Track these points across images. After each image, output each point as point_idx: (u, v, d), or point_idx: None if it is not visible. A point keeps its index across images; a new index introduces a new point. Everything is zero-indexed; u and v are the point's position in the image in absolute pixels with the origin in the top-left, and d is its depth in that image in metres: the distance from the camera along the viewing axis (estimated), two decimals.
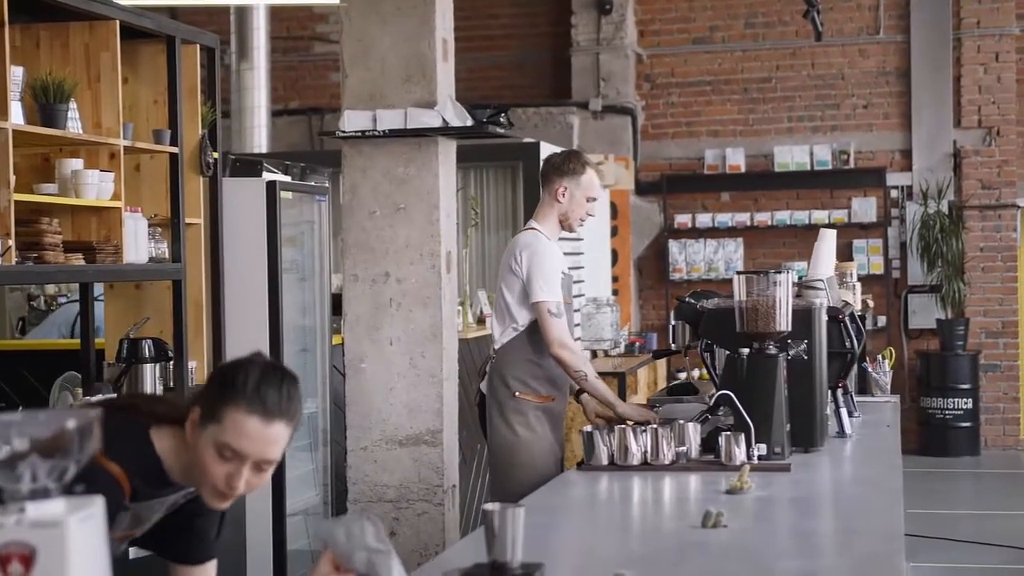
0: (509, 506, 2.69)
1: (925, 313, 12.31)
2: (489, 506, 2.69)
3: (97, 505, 1.75)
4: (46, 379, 5.79)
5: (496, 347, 5.14)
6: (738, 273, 4.37)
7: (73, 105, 4.80)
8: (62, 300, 8.59)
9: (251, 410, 2.47)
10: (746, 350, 4.31)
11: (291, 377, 2.56)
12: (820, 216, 12.32)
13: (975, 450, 12.05)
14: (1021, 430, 12.43)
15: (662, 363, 11.03)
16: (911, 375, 12.37)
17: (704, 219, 12.63)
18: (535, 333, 5.05)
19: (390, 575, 2.42)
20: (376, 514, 2.37)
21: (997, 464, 11.80)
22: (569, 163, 5.18)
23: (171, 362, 5.43)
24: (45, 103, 4.66)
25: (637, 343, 10.88)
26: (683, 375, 12.00)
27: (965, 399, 11.98)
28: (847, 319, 4.98)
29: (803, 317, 4.44)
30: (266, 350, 6.13)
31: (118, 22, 5.05)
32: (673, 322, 5.02)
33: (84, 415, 1.75)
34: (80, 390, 5.27)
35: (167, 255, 5.45)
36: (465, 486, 6.92)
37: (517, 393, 5.05)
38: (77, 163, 4.89)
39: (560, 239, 5.15)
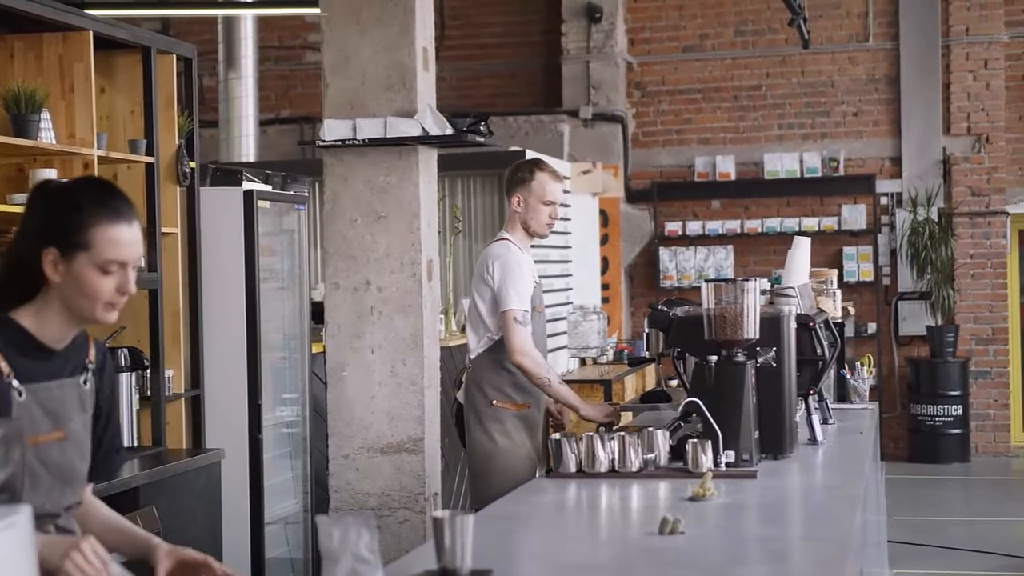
0: (458, 514, 2.71)
1: (915, 320, 12.32)
2: (438, 514, 2.71)
3: (22, 514, 1.77)
4: None
5: (472, 356, 5.23)
6: (706, 281, 4.39)
7: (46, 115, 4.82)
8: None
9: (112, 221, 2.62)
10: (714, 357, 4.32)
11: (110, 182, 2.72)
12: (810, 223, 12.33)
13: (965, 457, 12.05)
14: (1011, 437, 12.44)
15: (651, 370, 11.04)
16: (901, 382, 12.38)
17: (694, 227, 12.64)
18: None
19: None
20: (374, 524, 2.39)
21: (987, 471, 11.80)
22: (518, 172, 5.31)
23: (147, 371, 5.45)
24: (17, 113, 4.69)
25: (626, 351, 10.89)
26: (674, 383, 12.01)
27: (955, 406, 11.99)
28: (820, 326, 4.99)
29: (772, 325, 4.45)
30: (244, 358, 6.17)
31: (91, 33, 5.07)
32: (647, 330, 5.04)
33: (7, 425, 1.77)
34: None
35: (143, 264, 5.47)
36: (447, 494, 6.93)
37: (494, 402, 5.15)
38: (51, 173, 4.91)
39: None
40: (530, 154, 9.60)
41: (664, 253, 12.68)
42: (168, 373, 5.63)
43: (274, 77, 13.10)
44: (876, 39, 12.52)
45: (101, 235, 2.61)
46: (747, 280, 4.35)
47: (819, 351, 4.92)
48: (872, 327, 12.29)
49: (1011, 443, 12.41)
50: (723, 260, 12.61)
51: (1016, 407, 12.60)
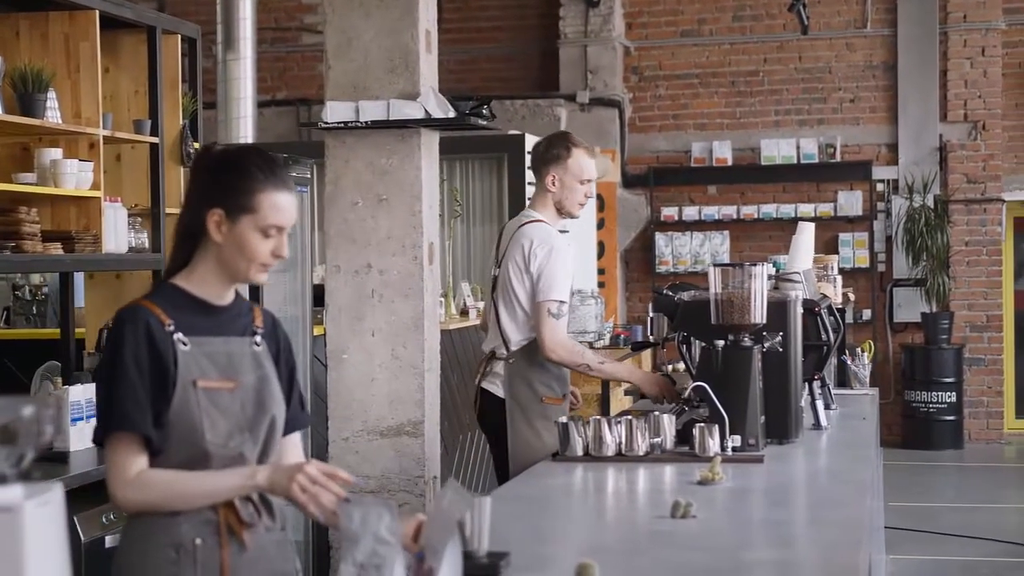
0: (476, 496, 2.71)
1: (910, 306, 12.34)
2: None
3: (55, 492, 1.77)
4: (29, 368, 5.80)
5: (512, 347, 4.96)
6: (714, 265, 4.38)
7: (52, 94, 4.80)
8: (47, 291, 8.59)
9: (277, 188, 2.77)
10: (721, 342, 4.32)
11: (269, 152, 2.89)
12: (806, 209, 12.35)
13: (959, 443, 12.09)
14: (1004, 424, 12.48)
15: (647, 355, 11.06)
16: (896, 368, 12.41)
17: (691, 212, 12.65)
18: None
19: (386, 572, 2.45)
20: (395, 506, 2.42)
21: (980, 457, 11.84)
22: (552, 149, 5.02)
23: None
24: (24, 92, 4.67)
25: (623, 335, 10.91)
26: (669, 367, 12.03)
27: (949, 392, 12.02)
28: (824, 312, 5.00)
29: (778, 310, 4.45)
30: None
31: (98, 12, 5.05)
32: (651, 314, 5.02)
33: (41, 402, 1.77)
34: (60, 379, 5.27)
35: (147, 245, 5.45)
36: (446, 477, 6.94)
37: (544, 398, 4.93)
38: (56, 152, 4.89)
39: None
40: (531, 139, 9.60)
41: (660, 238, 12.69)
42: None
43: (270, 59, 13.06)
44: (874, 25, 12.52)
45: (267, 200, 2.75)
46: (754, 265, 4.35)
47: (824, 336, 4.92)
48: (867, 313, 12.31)
49: (1004, 430, 12.46)
50: (719, 246, 12.62)
51: (1009, 394, 12.64)
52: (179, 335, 2.74)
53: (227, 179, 2.77)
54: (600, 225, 12.13)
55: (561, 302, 4.86)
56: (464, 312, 7.95)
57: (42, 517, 1.73)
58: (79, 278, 6.24)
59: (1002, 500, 10.10)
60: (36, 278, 8.54)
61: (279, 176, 2.78)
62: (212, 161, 2.84)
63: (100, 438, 2.74)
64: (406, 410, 5.59)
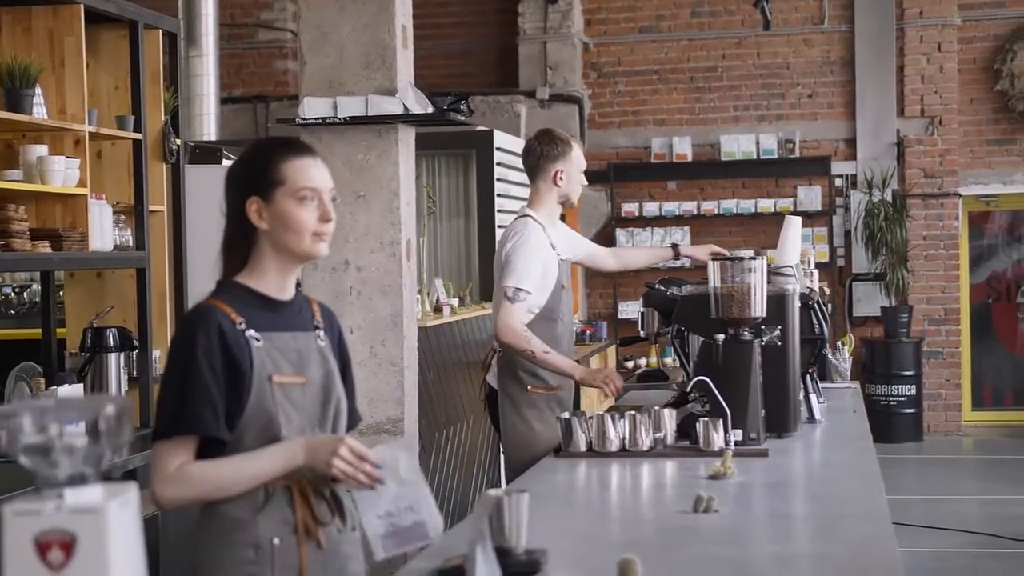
0: (514, 492, 2.69)
1: (869, 300, 12.44)
2: (494, 492, 2.68)
3: (132, 492, 1.74)
4: (6, 369, 5.70)
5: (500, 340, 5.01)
6: (713, 259, 4.38)
7: (39, 90, 4.72)
8: (8, 291, 8.46)
9: (298, 155, 2.80)
10: (721, 336, 4.32)
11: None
12: (766, 205, 12.41)
13: (918, 436, 12.20)
14: (962, 416, 12.61)
15: (612, 351, 11.09)
16: (856, 362, 12.48)
17: (651, 208, 12.67)
18: (540, 323, 4.99)
19: (419, 509, 2.46)
20: (414, 447, 2.47)
21: (940, 449, 11.96)
22: (556, 146, 5.15)
23: (135, 351, 5.37)
24: (11, 88, 4.58)
25: (587, 332, 10.93)
26: (630, 363, 12.06)
27: (908, 385, 12.12)
28: (816, 305, 5.02)
29: (777, 303, 4.46)
30: None
31: (82, 6, 4.97)
32: (642, 309, 5.01)
33: (120, 400, 1.73)
34: (43, 380, 5.19)
35: (131, 243, 5.38)
36: (424, 474, 6.91)
37: (529, 387, 5.02)
38: (42, 149, 4.81)
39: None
40: (499, 135, 9.58)
41: (621, 234, 12.70)
42: (155, 353, 5.55)
43: (226, 56, 12.91)
44: (831, 21, 12.59)
45: (290, 167, 2.76)
46: (754, 258, 4.35)
47: (817, 329, 4.94)
48: (828, 308, 12.37)
49: (962, 422, 12.58)
50: (680, 241, 12.63)
51: (967, 387, 12.78)
52: (251, 332, 2.73)
53: (250, 169, 2.81)
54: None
55: (519, 288, 4.92)
56: (438, 309, 7.91)
57: (123, 517, 1.70)
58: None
59: (963, 491, 10.20)
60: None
61: (295, 147, 2.82)
62: (233, 166, 2.88)
63: (161, 437, 2.69)
64: (385, 408, 5.56)
